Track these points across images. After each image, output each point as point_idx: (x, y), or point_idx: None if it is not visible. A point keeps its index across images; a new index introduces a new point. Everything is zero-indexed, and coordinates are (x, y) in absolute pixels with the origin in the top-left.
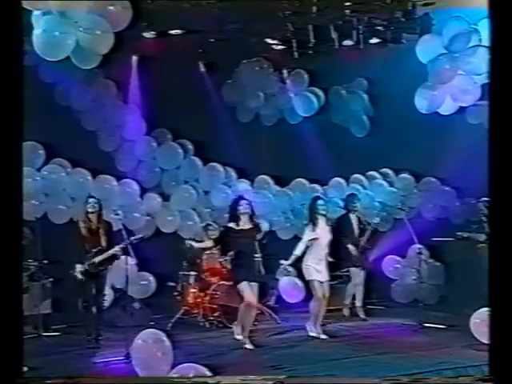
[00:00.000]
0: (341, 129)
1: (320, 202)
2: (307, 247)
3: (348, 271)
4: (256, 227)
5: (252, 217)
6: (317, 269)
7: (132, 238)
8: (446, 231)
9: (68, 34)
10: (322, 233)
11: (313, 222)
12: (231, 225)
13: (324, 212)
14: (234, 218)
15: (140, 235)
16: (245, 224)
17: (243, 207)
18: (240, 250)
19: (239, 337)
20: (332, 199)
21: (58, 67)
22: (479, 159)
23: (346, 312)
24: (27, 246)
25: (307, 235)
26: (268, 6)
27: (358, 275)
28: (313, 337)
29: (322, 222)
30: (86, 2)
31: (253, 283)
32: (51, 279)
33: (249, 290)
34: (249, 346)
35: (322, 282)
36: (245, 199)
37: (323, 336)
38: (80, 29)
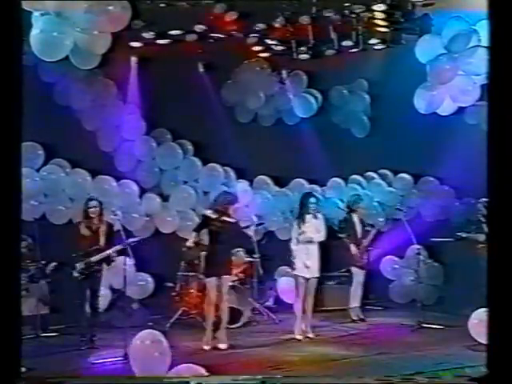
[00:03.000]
0: (339, 129)
1: (312, 199)
2: (298, 242)
3: (347, 271)
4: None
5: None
6: (306, 264)
7: (130, 240)
8: (444, 231)
9: (65, 34)
10: (312, 229)
11: (301, 217)
12: (209, 213)
13: (314, 210)
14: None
15: (138, 238)
16: (225, 216)
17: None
18: (217, 242)
19: (207, 347)
20: (330, 199)
21: (58, 67)
22: (478, 159)
23: (353, 315)
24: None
25: (295, 230)
26: (268, 5)
27: (360, 275)
28: (299, 340)
29: (311, 219)
30: (85, 2)
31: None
32: (49, 280)
33: (213, 288)
34: (223, 345)
35: (308, 279)
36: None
37: (311, 335)
38: (77, 29)
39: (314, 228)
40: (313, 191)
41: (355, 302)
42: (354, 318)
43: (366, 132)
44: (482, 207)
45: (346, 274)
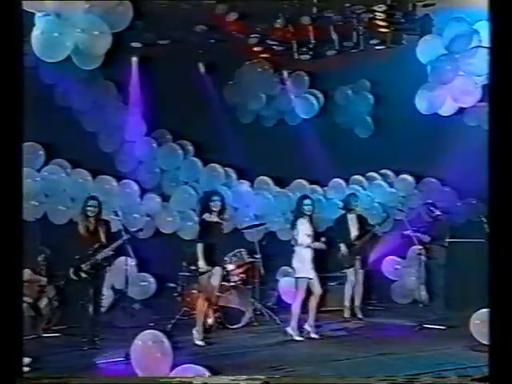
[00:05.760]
0: (340, 130)
1: (306, 201)
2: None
3: (344, 272)
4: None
5: (221, 211)
6: (304, 267)
7: (132, 230)
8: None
9: (66, 35)
10: (308, 231)
11: (297, 220)
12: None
13: (309, 212)
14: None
15: (138, 228)
16: (214, 217)
17: (214, 203)
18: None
19: (200, 342)
20: (331, 200)
21: (59, 68)
22: (479, 160)
23: (346, 313)
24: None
25: (298, 232)
26: (269, 6)
27: (352, 276)
28: (296, 340)
29: (306, 221)
30: (86, 2)
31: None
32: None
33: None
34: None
35: (310, 279)
36: (218, 194)
37: (315, 335)
38: (78, 30)
39: (311, 230)
40: (310, 193)
41: (347, 302)
42: (345, 316)
43: (370, 132)
44: (427, 209)
45: (344, 274)
